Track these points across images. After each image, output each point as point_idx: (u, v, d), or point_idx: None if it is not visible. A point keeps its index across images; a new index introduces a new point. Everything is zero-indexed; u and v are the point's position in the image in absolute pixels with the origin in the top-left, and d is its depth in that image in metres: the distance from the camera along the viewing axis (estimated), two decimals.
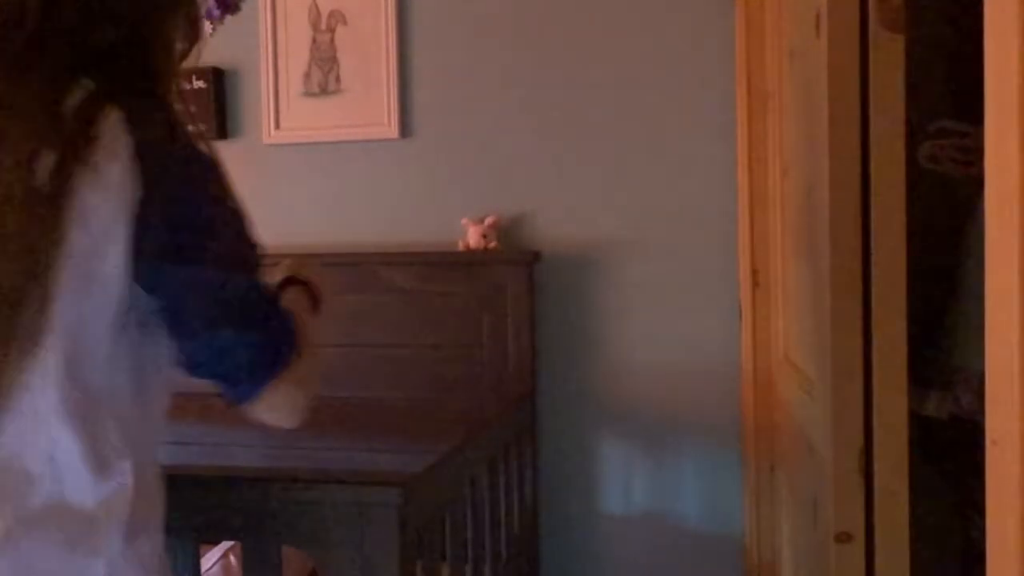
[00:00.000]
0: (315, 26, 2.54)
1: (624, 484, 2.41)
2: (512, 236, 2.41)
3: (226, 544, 1.83)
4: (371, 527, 1.25)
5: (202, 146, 0.90)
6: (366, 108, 2.50)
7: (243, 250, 0.92)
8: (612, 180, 2.37)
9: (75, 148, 0.80)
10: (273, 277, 1.09)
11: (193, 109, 0.99)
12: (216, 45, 2.64)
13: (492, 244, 2.36)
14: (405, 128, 2.49)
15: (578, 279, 2.40)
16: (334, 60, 2.53)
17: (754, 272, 2.17)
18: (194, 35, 0.95)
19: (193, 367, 0.91)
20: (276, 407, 0.94)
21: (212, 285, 0.88)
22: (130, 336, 0.87)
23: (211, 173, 0.90)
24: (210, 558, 1.86)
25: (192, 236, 0.86)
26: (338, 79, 2.52)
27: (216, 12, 2.28)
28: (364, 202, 2.53)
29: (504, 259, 2.35)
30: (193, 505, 1.31)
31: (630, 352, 2.37)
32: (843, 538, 1.28)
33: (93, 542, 0.84)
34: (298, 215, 2.57)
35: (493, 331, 2.34)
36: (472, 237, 2.36)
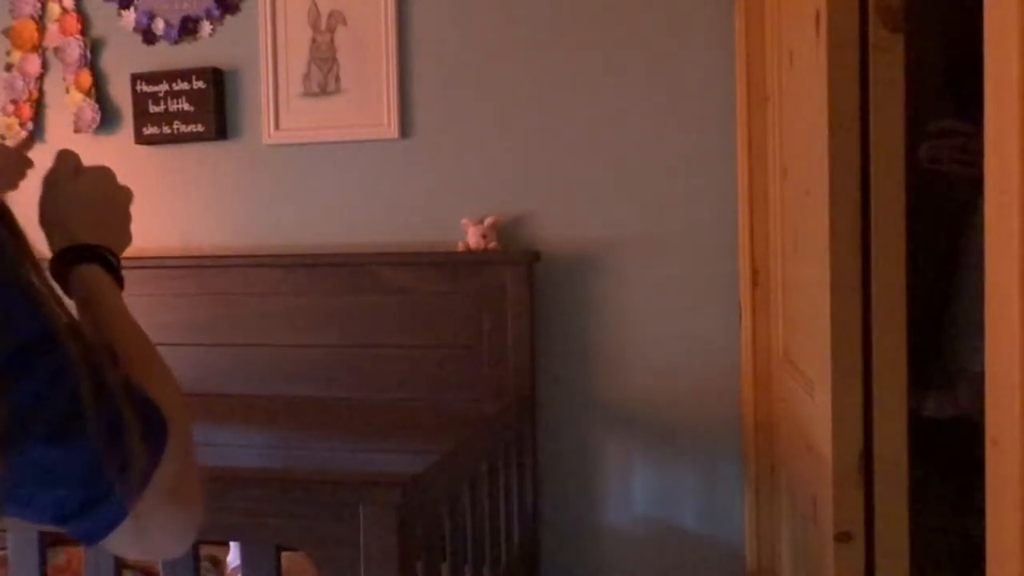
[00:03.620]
0: (315, 26, 2.54)
1: (623, 483, 2.40)
2: (512, 236, 2.41)
3: None
4: (371, 527, 1.25)
5: None
6: (366, 108, 2.50)
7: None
8: (612, 180, 2.37)
9: None
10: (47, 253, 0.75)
11: None
12: (216, 45, 2.65)
13: (492, 244, 2.36)
14: (405, 128, 2.48)
15: (578, 279, 2.40)
16: (334, 60, 2.53)
17: (754, 272, 2.17)
18: None
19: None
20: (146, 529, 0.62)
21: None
22: None
23: None
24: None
25: None
26: (338, 79, 2.52)
27: (216, 12, 2.28)
28: (364, 202, 2.53)
29: (504, 259, 2.34)
30: None
31: (630, 352, 2.37)
32: (843, 538, 1.28)
33: None
34: (298, 215, 2.57)
35: (493, 331, 2.34)
36: (472, 237, 2.36)
